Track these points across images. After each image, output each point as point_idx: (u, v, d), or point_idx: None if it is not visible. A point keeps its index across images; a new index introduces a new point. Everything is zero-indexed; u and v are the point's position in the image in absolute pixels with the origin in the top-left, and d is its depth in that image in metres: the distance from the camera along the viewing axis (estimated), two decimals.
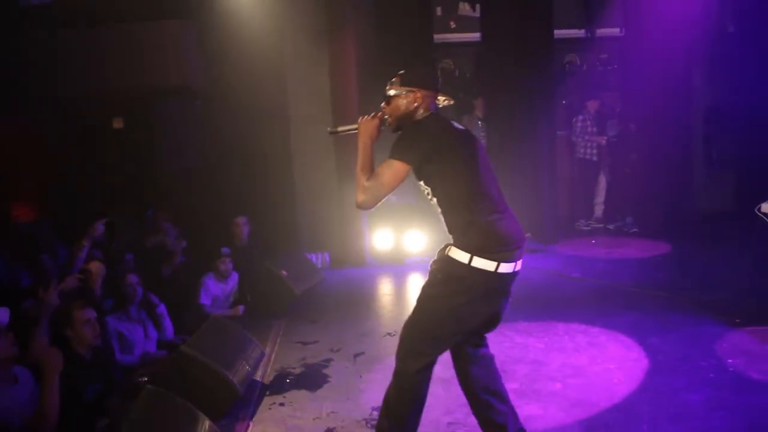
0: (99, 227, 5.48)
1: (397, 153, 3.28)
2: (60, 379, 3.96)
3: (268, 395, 4.75)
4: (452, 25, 10.83)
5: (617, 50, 11.02)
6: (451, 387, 4.54)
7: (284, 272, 6.80)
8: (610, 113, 10.04)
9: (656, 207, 9.42)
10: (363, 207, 3.32)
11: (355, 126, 3.49)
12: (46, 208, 10.50)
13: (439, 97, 3.57)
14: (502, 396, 3.69)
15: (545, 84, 9.25)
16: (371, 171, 3.32)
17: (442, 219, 3.42)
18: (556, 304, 6.44)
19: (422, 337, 3.42)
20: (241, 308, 6.60)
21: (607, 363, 4.93)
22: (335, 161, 8.19)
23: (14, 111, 10.20)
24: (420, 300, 3.45)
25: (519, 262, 3.45)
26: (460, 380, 3.74)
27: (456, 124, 3.51)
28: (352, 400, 4.49)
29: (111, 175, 9.85)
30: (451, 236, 3.40)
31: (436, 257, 3.45)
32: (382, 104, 3.52)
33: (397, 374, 3.47)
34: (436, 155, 3.31)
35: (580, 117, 10.09)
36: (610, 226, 10.03)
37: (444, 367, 4.87)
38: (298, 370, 5.18)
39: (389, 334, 5.82)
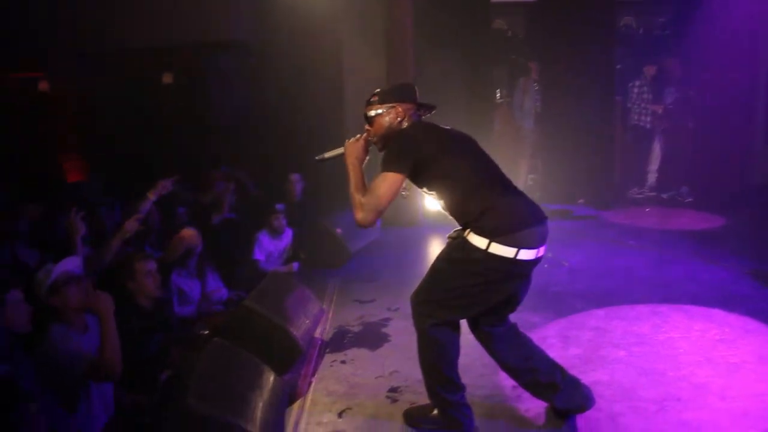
0: (168, 184, 5.50)
1: (388, 165, 3.27)
2: (122, 331, 4.02)
3: (329, 353, 4.76)
4: None
5: (677, 13, 10.67)
6: None
7: (338, 230, 6.79)
8: (668, 79, 9.76)
9: (713, 177, 9.21)
10: (363, 223, 3.28)
11: (341, 150, 3.49)
12: (96, 165, 10.62)
13: (421, 108, 3.56)
14: (535, 357, 3.67)
15: (603, 47, 9.04)
16: (365, 188, 3.31)
17: (456, 218, 3.40)
18: (613, 271, 6.34)
19: (431, 302, 3.42)
20: (295, 265, 6.61)
21: (671, 332, 4.83)
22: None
23: (64, 66, 10.28)
24: (434, 270, 3.46)
25: (542, 249, 3.38)
26: (490, 356, 3.72)
27: (442, 125, 3.51)
28: (413, 360, 4.41)
29: (161, 131, 9.89)
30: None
31: (453, 233, 3.43)
32: (366, 127, 3.51)
33: (420, 335, 3.50)
34: (428, 159, 3.30)
35: (637, 82, 9.84)
36: (664, 195, 9.84)
37: None
38: (356, 329, 5.18)
39: None
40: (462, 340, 4.52)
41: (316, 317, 4.99)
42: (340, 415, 3.84)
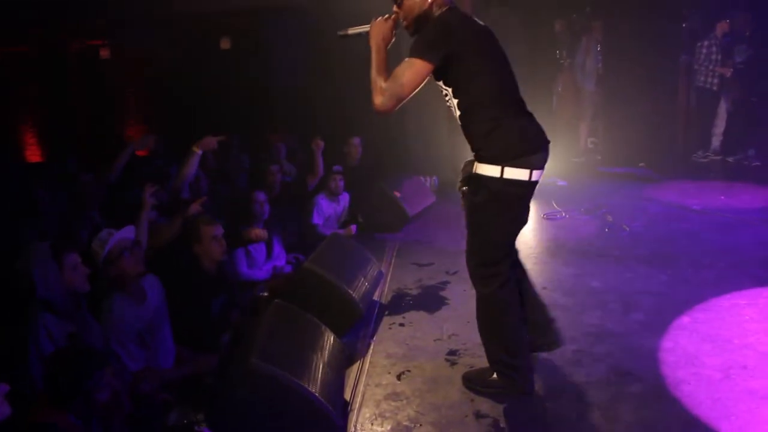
0: (212, 141, 5.52)
1: (417, 51, 3.10)
2: (187, 293, 4.13)
3: (387, 315, 4.78)
4: None
5: None
6: (573, 315, 4.51)
7: (397, 193, 6.79)
8: (739, 37, 9.36)
9: None
10: (381, 109, 3.13)
11: (367, 27, 3.30)
12: (157, 129, 10.80)
13: None
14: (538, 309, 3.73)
15: (668, 5, 8.73)
16: (387, 72, 3.14)
17: (463, 123, 3.30)
18: (676, 237, 6.20)
19: (487, 263, 3.38)
20: (353, 228, 6.64)
21: (737, 298, 4.70)
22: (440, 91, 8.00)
23: (122, 33, 10.43)
24: (470, 227, 3.40)
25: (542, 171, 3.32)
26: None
27: (477, 20, 3.33)
28: (472, 324, 4.40)
29: (219, 96, 9.98)
30: (472, 146, 3.31)
31: (461, 176, 3.37)
32: (394, 7, 3.32)
33: (482, 299, 3.47)
34: (459, 53, 3.13)
35: (706, 42, 9.45)
36: (730, 159, 9.53)
37: (563, 294, 4.86)
38: (415, 291, 5.19)
39: None
40: None
41: (375, 280, 5.00)
42: (398, 377, 3.87)
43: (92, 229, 4.77)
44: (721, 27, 9.43)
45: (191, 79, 10.30)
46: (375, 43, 3.21)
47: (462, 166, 3.43)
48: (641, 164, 9.04)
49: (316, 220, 6.53)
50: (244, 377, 3.22)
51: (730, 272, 5.18)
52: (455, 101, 3.26)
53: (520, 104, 3.34)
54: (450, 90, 3.25)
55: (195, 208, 4.92)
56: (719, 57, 9.36)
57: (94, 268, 3.74)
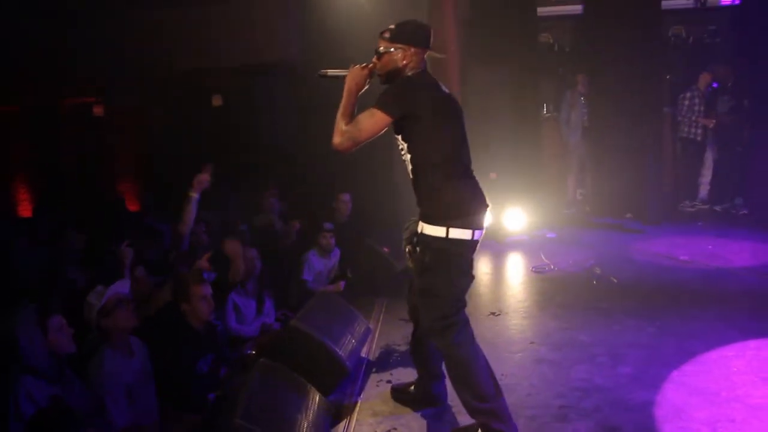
0: (205, 178, 5.47)
1: (381, 104, 3.32)
2: (173, 352, 4.12)
3: (375, 372, 4.75)
4: None
5: (729, 20, 10.44)
6: (561, 370, 4.49)
7: (386, 249, 6.81)
8: (721, 88, 9.55)
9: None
10: (339, 148, 3.33)
11: (345, 72, 3.50)
12: (149, 186, 10.87)
13: (431, 53, 3.58)
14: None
15: (651, 58, 8.91)
16: (350, 116, 3.35)
17: (413, 178, 3.51)
18: (665, 288, 6.21)
19: (443, 313, 3.50)
20: (342, 284, 6.63)
21: (725, 350, 4.70)
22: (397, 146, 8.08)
23: (115, 89, 10.58)
24: (421, 290, 3.55)
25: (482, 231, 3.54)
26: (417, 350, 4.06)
27: (443, 87, 3.54)
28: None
29: (213, 153, 10.06)
30: (419, 203, 3.52)
31: (406, 234, 3.61)
32: (373, 59, 3.53)
33: (444, 352, 3.60)
34: (417, 113, 3.35)
35: (688, 94, 9.65)
36: (717, 208, 9.62)
37: (551, 349, 4.85)
38: (403, 348, 5.15)
39: (492, 313, 5.75)
40: (508, 360, 4.52)
41: (363, 336, 4.99)
42: None
43: (71, 287, 4.79)
44: (704, 78, 9.63)
45: (183, 136, 10.40)
46: (348, 87, 3.42)
47: (405, 225, 3.65)
48: (628, 215, 9.11)
49: (306, 276, 6.53)
50: None
51: (718, 324, 5.19)
52: (408, 156, 3.47)
53: (468, 169, 3.55)
54: (405, 145, 3.46)
55: (203, 264, 4.93)
56: (702, 108, 9.53)
57: (78, 327, 3.75)
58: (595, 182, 9.62)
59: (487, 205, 3.54)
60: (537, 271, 6.98)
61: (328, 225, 6.75)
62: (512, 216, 8.31)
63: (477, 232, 3.43)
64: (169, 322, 4.44)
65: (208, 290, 4.47)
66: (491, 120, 8.42)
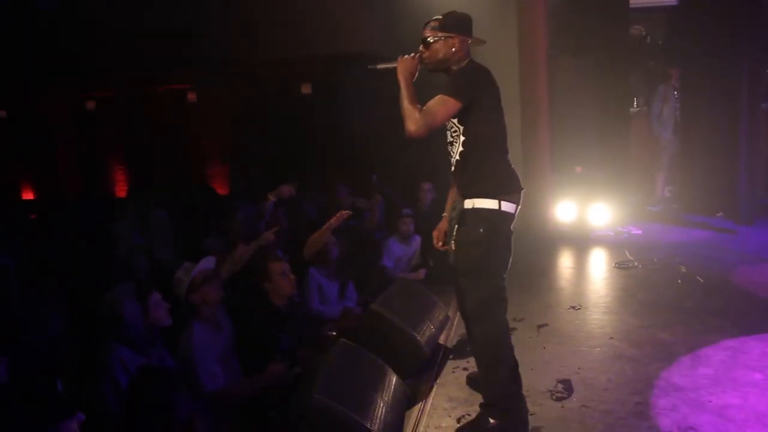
0: (287, 189, 5.80)
1: (452, 92, 3.49)
2: (257, 329, 4.29)
3: (452, 359, 4.83)
4: None
5: None
6: (639, 367, 4.45)
7: None
8: None
9: None
10: (415, 135, 3.45)
11: (395, 63, 3.62)
12: (239, 172, 11.23)
13: (473, 41, 3.74)
14: None
15: (750, 51, 8.58)
16: (417, 102, 3.47)
17: (462, 158, 3.66)
18: (752, 290, 6.02)
19: (486, 296, 3.66)
20: (422, 272, 6.72)
21: None
22: (520, 131, 8.05)
23: (209, 75, 10.95)
24: (471, 267, 3.65)
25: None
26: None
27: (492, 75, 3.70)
28: (536, 371, 4.47)
29: (298, 140, 10.32)
30: (464, 183, 3.68)
31: (454, 214, 3.74)
32: (421, 47, 3.69)
33: (482, 336, 3.71)
34: (483, 100, 3.58)
35: None
36: None
37: (630, 345, 4.82)
38: None
39: (573, 307, 5.74)
40: (587, 354, 4.52)
41: (441, 324, 5.07)
42: (458, 420, 3.91)
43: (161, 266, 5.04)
44: None
45: (273, 123, 10.69)
46: (403, 77, 3.56)
47: (452, 205, 3.84)
48: (719, 214, 8.84)
49: (387, 262, 6.65)
50: (306, 412, 3.33)
51: None
52: (462, 138, 3.64)
53: (507, 152, 3.75)
54: (461, 128, 3.63)
55: (269, 236, 5.13)
56: None
57: (173, 301, 3.97)
58: (685, 179, 9.36)
59: (522, 187, 3.74)
60: (620, 267, 6.88)
61: (406, 210, 6.85)
62: (597, 211, 8.20)
63: (518, 207, 3.67)
64: (249, 300, 4.64)
65: (286, 267, 4.64)
66: (578, 113, 8.32)
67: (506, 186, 3.65)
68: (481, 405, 3.80)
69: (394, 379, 4.01)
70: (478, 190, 3.63)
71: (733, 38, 8.44)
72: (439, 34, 3.65)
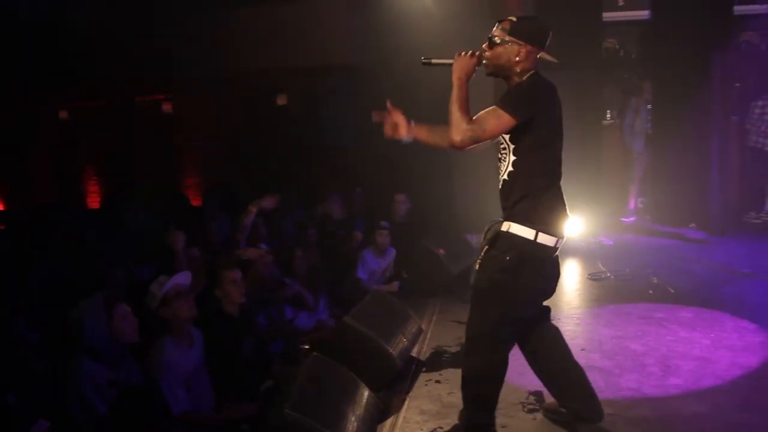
0: (271, 201, 5.76)
1: (508, 105, 3.22)
2: (211, 337, 4.33)
3: (425, 372, 4.83)
4: (620, 2, 10.38)
5: None
6: (611, 378, 4.47)
7: (441, 251, 6.87)
8: None
9: None
10: (459, 146, 3.21)
11: (450, 60, 3.37)
12: (213, 180, 11.19)
13: (543, 55, 3.44)
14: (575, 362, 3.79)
15: (720, 65, 8.71)
16: (468, 109, 3.22)
17: (509, 179, 3.39)
18: (724, 299, 6.08)
19: (503, 327, 3.47)
20: (396, 284, 6.74)
21: None
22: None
23: (186, 85, 10.92)
24: (489, 290, 3.40)
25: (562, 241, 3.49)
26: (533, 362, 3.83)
27: (556, 90, 3.43)
28: (508, 383, 4.44)
29: (275, 150, 10.31)
30: (509, 206, 3.39)
31: (489, 235, 3.41)
32: (484, 45, 3.41)
33: (488, 365, 3.54)
34: (541, 121, 3.29)
35: (760, 102, 9.37)
36: None
37: (602, 356, 4.86)
38: (454, 349, 5.22)
39: None
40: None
41: (414, 336, 5.09)
42: None
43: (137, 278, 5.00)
44: None
45: (249, 133, 10.67)
46: (458, 77, 3.30)
47: (488, 225, 3.49)
48: (692, 225, 8.93)
49: (361, 274, 6.66)
50: (278, 427, 3.33)
51: None
52: (513, 158, 3.37)
53: (559, 178, 3.48)
54: (513, 146, 3.37)
55: (254, 252, 5.12)
56: None
57: (143, 318, 3.94)
58: (657, 191, 9.46)
59: (569, 216, 3.52)
60: (593, 279, 6.94)
61: (383, 223, 6.86)
62: (569, 222, 8.23)
63: (560, 241, 3.42)
64: (204, 309, 4.61)
65: (238, 274, 4.62)
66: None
67: (548, 217, 3.36)
68: (459, 416, 3.80)
69: (366, 392, 4.01)
70: (518, 214, 3.35)
71: (704, 51, 8.57)
72: (507, 38, 3.34)
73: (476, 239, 7.93)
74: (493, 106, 3.24)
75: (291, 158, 10.27)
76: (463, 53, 3.36)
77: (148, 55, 9.97)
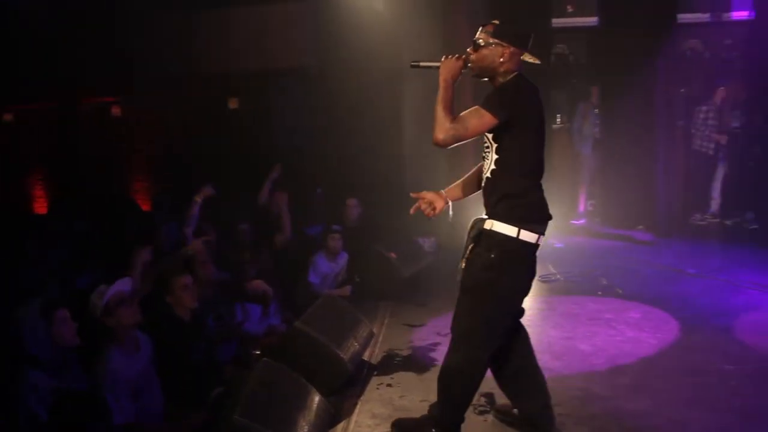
0: (210, 188, 5.70)
1: (490, 105, 3.29)
2: (162, 342, 4.22)
3: (376, 375, 4.82)
4: (569, 8, 10.55)
5: (744, 36, 10.40)
6: (561, 379, 4.52)
7: (393, 254, 6.87)
8: (735, 103, 9.54)
9: None
10: (441, 144, 3.29)
11: (437, 63, 3.45)
12: (164, 186, 11.01)
13: (526, 57, 3.52)
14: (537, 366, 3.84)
15: (665, 71, 8.92)
16: (452, 110, 3.30)
17: (491, 177, 3.47)
18: (669, 300, 6.20)
19: (489, 325, 3.51)
20: (348, 288, 6.69)
21: (725, 363, 4.72)
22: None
23: (135, 89, 10.73)
24: (475, 288, 3.48)
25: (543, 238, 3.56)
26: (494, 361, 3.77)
27: (539, 93, 3.51)
28: None
29: (226, 154, 10.19)
30: (491, 203, 3.46)
31: (473, 233, 3.49)
32: (469, 49, 3.48)
33: (464, 361, 3.56)
34: (522, 120, 3.36)
35: (704, 107, 9.61)
36: (728, 222, 9.55)
37: (552, 357, 4.89)
38: (405, 352, 5.23)
39: None
40: None
41: (366, 340, 5.07)
42: None
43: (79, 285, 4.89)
44: (720, 93, 9.61)
45: (200, 137, 10.53)
46: (444, 79, 3.37)
47: (471, 223, 3.55)
48: (640, 227, 9.11)
49: (313, 279, 6.60)
50: None
51: (720, 336, 5.22)
52: (495, 156, 3.45)
53: (541, 177, 3.55)
54: (495, 145, 3.44)
55: (198, 244, 5.03)
56: (716, 122, 9.52)
57: (85, 322, 3.84)
58: (606, 194, 9.63)
59: (551, 216, 3.58)
60: (543, 281, 7.01)
61: (335, 227, 6.83)
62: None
63: (541, 238, 3.49)
64: (154, 314, 4.52)
65: (188, 279, 4.54)
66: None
67: (531, 214, 3.45)
68: (430, 409, 3.79)
69: (317, 397, 3.99)
70: (501, 213, 3.42)
71: (650, 58, 8.76)
72: (491, 40, 3.41)
73: (427, 242, 8.00)
74: (476, 106, 3.31)
75: (242, 161, 10.16)
76: (449, 56, 3.43)
77: (97, 58, 9.78)
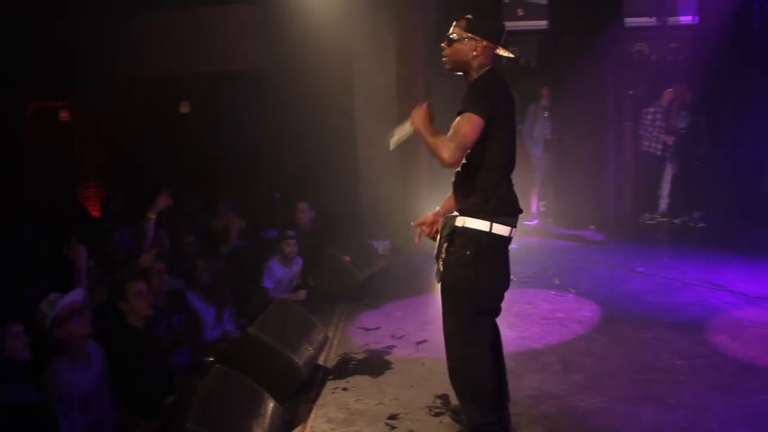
0: (163, 200, 5.51)
1: (473, 107, 3.30)
2: (115, 351, 4.14)
3: (331, 379, 4.79)
4: (520, 12, 10.68)
5: (689, 39, 10.68)
6: (514, 378, 4.54)
7: (347, 258, 6.84)
8: (681, 105, 9.76)
9: (725, 202, 9.13)
10: (451, 161, 3.27)
11: (408, 126, 3.46)
12: (114, 191, 10.79)
13: (500, 51, 3.54)
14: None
15: (614, 74, 9.07)
16: (439, 133, 3.33)
17: (461, 173, 3.51)
18: (620, 299, 6.31)
19: (475, 320, 3.55)
20: (303, 293, 6.65)
21: (675, 359, 4.82)
22: (399, 149, 8.15)
23: (84, 93, 10.51)
24: (456, 286, 3.50)
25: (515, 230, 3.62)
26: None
27: (509, 87, 3.55)
28: (415, 387, 4.51)
29: (177, 158, 10.04)
30: (463, 199, 3.51)
31: (446, 231, 3.52)
32: (443, 44, 3.54)
33: (466, 358, 3.56)
34: (496, 115, 3.37)
35: (652, 109, 9.83)
36: (676, 221, 9.75)
37: (507, 357, 4.86)
38: (360, 356, 5.21)
39: None
40: None
41: (320, 344, 5.03)
42: None
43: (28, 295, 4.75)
44: (667, 95, 9.82)
45: (150, 142, 10.35)
46: (423, 127, 3.37)
47: (444, 222, 3.58)
48: (591, 227, 9.23)
49: (267, 283, 6.53)
50: None
51: (669, 333, 5.31)
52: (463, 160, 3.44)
53: (511, 171, 3.59)
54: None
55: (151, 257, 4.93)
56: (663, 123, 9.73)
57: (35, 336, 3.72)
58: (557, 194, 9.75)
59: (521, 209, 3.63)
60: None
61: (290, 232, 6.77)
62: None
63: (513, 230, 3.54)
64: (106, 323, 4.43)
65: (143, 287, 4.46)
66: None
67: (501, 208, 3.48)
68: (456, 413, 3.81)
69: (271, 404, 3.94)
70: (472, 209, 3.46)
71: (598, 61, 8.89)
72: (465, 35, 3.45)
73: (382, 245, 7.99)
74: (463, 114, 3.31)
75: (193, 166, 10.03)
76: (414, 112, 3.44)
77: (45, 61, 9.54)
